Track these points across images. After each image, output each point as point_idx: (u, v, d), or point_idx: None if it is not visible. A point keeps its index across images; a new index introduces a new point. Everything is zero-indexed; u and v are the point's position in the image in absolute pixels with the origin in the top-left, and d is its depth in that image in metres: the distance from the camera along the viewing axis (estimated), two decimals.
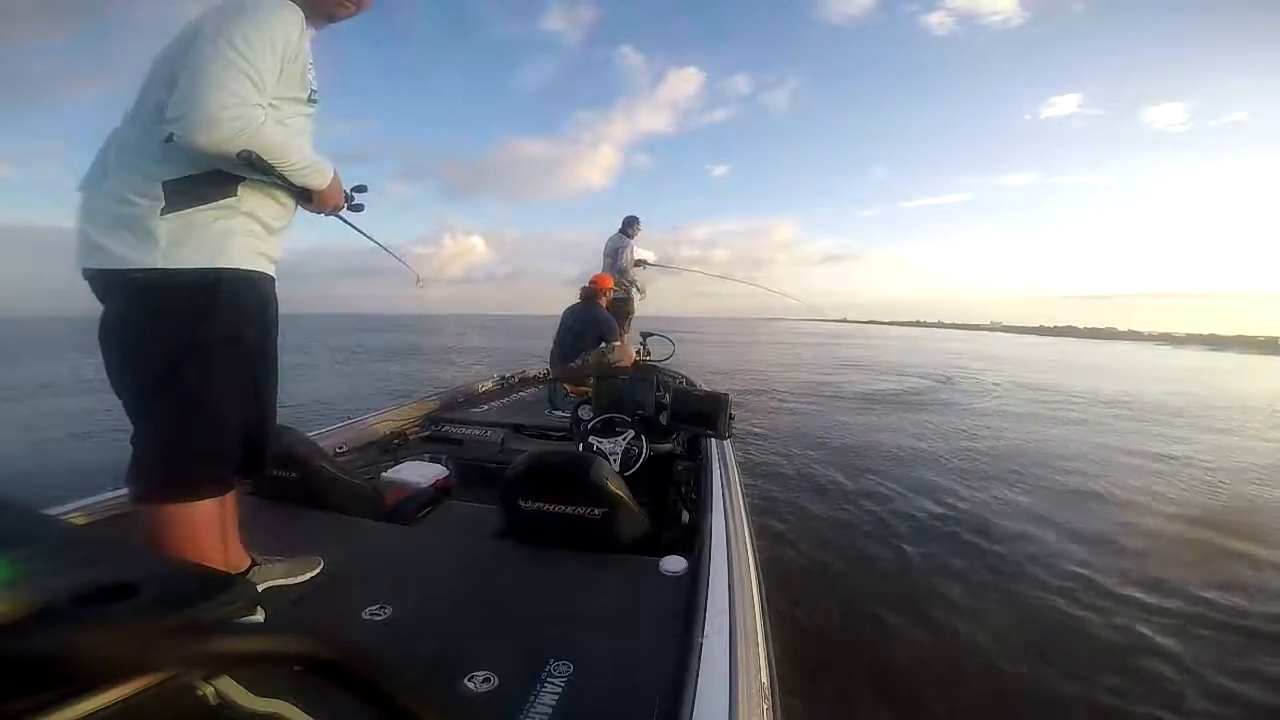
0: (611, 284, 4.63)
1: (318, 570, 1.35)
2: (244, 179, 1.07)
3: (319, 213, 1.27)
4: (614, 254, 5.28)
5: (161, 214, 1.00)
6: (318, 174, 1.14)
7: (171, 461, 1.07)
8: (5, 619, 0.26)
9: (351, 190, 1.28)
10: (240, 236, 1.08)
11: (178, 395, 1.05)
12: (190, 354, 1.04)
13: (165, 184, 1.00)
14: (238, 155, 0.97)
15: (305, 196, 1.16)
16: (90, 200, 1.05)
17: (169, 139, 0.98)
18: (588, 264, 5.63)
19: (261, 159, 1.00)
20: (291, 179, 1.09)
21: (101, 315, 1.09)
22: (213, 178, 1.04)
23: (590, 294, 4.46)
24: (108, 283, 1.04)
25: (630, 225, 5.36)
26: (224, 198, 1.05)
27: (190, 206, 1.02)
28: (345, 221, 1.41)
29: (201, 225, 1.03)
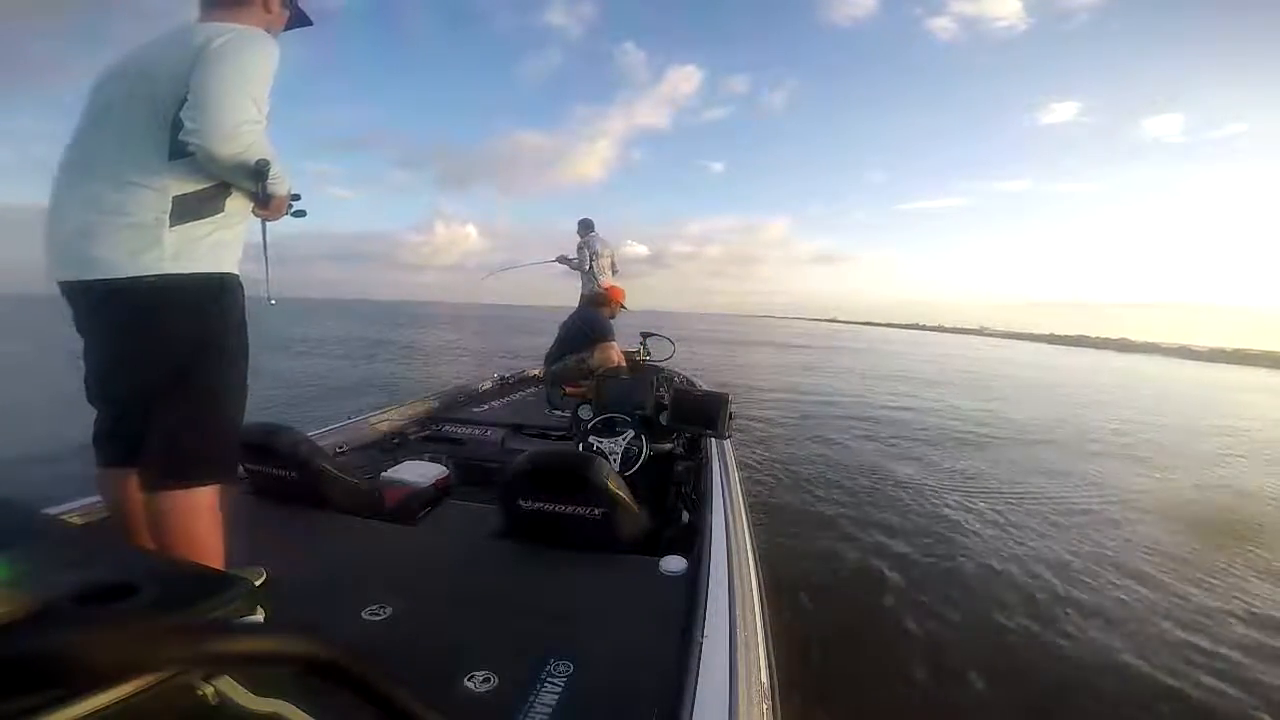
0: (622, 297, 4.55)
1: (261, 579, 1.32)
2: (230, 195, 1.16)
3: (270, 219, 1.31)
4: (593, 256, 5.24)
5: (170, 226, 1.08)
6: (284, 182, 1.23)
7: (192, 447, 1.13)
8: (5, 619, 0.26)
9: (290, 198, 1.30)
10: (229, 246, 1.20)
11: (200, 384, 1.14)
12: (209, 346, 1.15)
13: (175, 198, 1.09)
14: (255, 164, 1.08)
15: (262, 204, 1.20)
16: (79, 214, 1.08)
17: (174, 155, 1.07)
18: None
19: (269, 167, 1.10)
20: (273, 187, 1.17)
21: (93, 325, 1.15)
22: (211, 193, 1.13)
23: (592, 300, 4.41)
24: (110, 292, 1.08)
25: (590, 227, 5.39)
26: (217, 212, 1.15)
27: (194, 219, 1.11)
28: (264, 224, 1.37)
29: (201, 237, 1.13)
